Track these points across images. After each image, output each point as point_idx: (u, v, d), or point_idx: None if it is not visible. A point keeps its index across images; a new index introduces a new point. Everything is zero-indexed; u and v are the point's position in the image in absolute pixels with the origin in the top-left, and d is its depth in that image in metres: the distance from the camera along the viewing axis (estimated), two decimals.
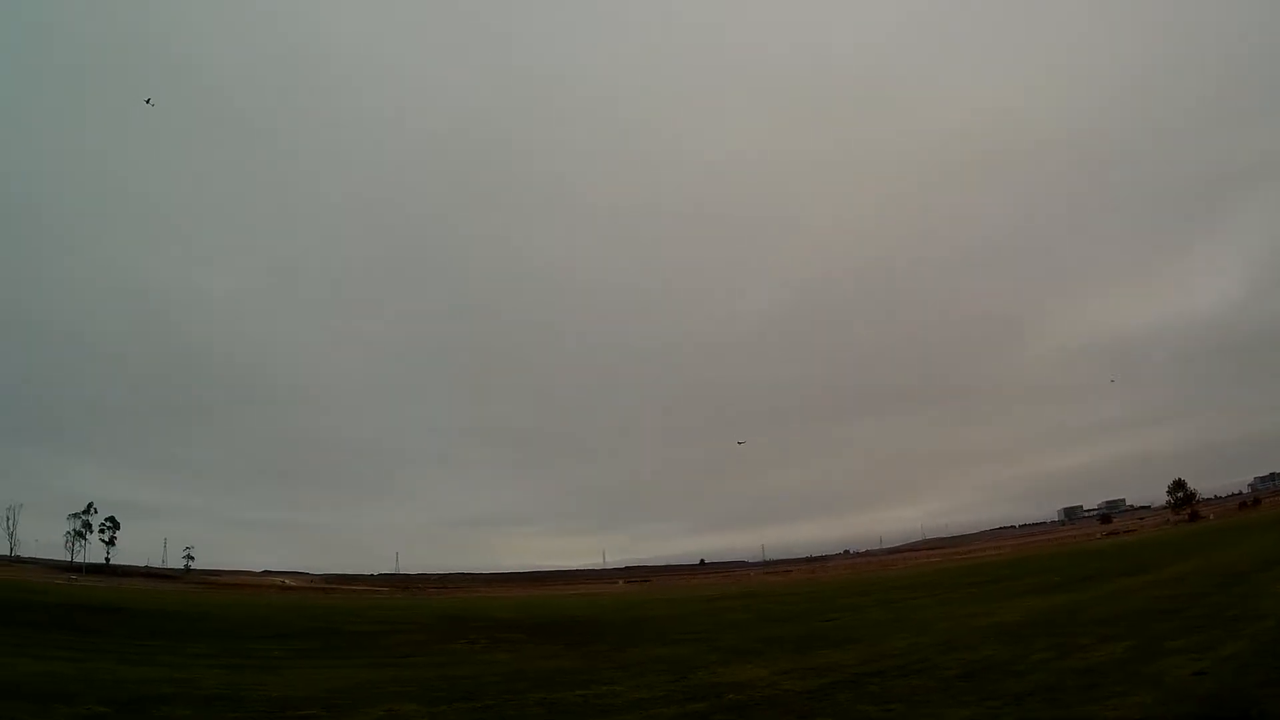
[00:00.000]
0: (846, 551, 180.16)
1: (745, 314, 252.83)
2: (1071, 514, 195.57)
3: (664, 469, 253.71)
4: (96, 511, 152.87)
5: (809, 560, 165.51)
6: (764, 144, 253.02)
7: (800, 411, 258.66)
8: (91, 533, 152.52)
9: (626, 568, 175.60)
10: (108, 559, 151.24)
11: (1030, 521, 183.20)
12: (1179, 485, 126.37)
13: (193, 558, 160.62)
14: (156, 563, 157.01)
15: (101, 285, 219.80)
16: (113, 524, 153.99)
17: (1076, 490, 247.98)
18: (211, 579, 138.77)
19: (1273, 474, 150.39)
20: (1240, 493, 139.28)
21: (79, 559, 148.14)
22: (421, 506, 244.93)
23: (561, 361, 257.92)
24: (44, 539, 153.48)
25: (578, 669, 19.23)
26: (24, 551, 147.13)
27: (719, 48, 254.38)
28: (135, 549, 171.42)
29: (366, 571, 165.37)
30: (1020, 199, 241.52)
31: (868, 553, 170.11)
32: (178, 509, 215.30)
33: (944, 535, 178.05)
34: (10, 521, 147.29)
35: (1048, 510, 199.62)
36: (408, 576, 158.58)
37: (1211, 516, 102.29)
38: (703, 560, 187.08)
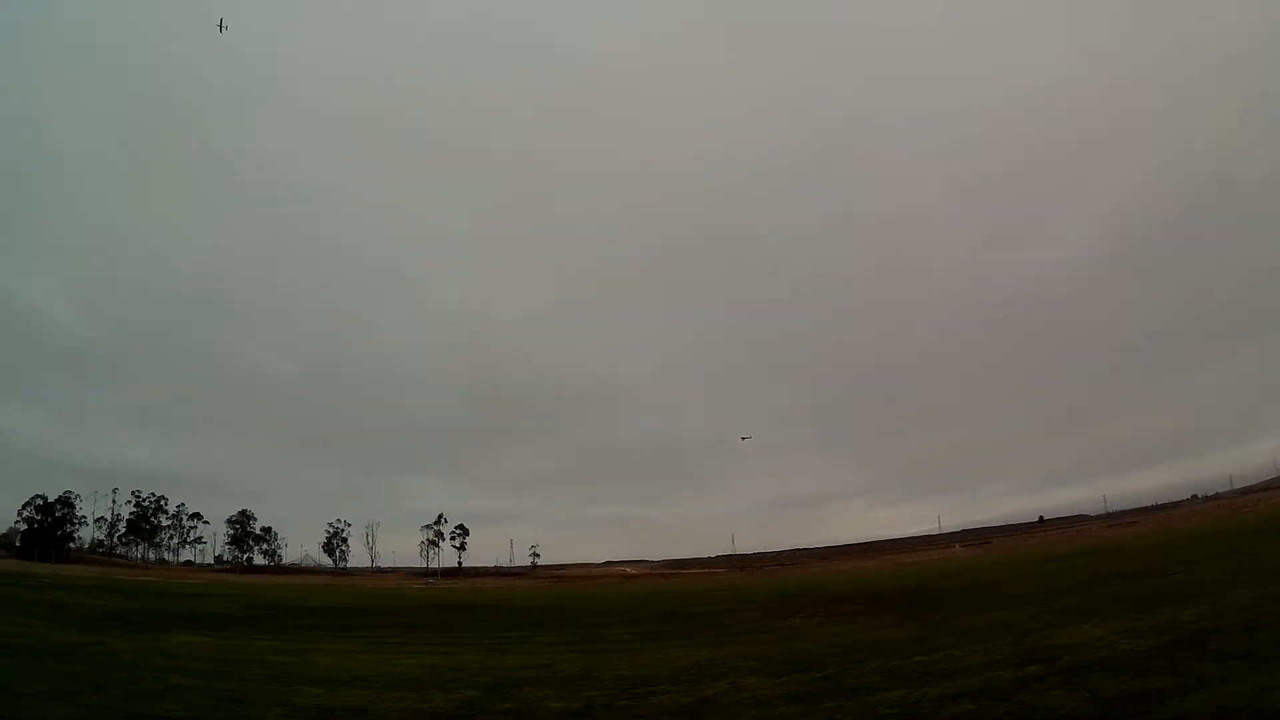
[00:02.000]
0: (1195, 496, 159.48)
1: (1068, 253, 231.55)
2: None
3: (996, 426, 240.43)
4: (446, 521, 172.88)
5: (1154, 509, 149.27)
6: (1087, 55, 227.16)
7: (1137, 350, 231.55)
8: (443, 540, 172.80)
9: (962, 531, 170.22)
10: (460, 563, 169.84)
11: None
12: None
13: (538, 555, 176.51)
14: (505, 562, 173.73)
15: (430, 321, 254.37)
16: (462, 531, 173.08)
17: None
18: (557, 573, 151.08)
19: None
20: None
21: (433, 565, 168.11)
22: (754, 489, 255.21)
23: (879, 331, 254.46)
24: (400, 550, 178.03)
25: (914, 637, 19.68)
26: (383, 562, 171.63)
27: None
28: (484, 552, 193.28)
29: (703, 555, 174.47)
30: None
31: (1217, 495, 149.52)
32: (520, 513, 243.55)
33: None
34: (370, 537, 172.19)
35: None
36: (744, 556, 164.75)
37: None
38: (1041, 517, 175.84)
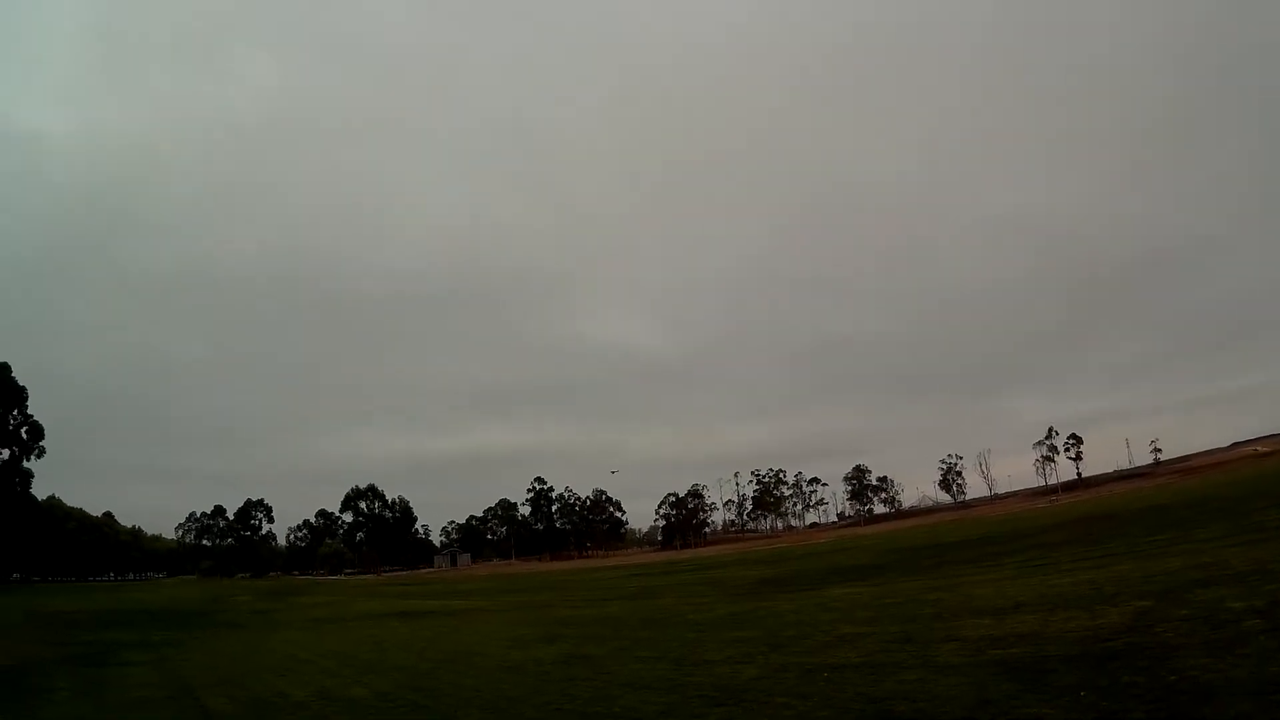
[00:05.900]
0: None
1: None
2: None
3: None
4: (1057, 434, 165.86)
5: None
6: None
7: None
8: (1058, 454, 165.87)
9: None
10: (1079, 474, 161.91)
11: None
12: None
13: (1160, 450, 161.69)
14: (1123, 464, 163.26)
15: (983, 230, 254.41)
16: (1075, 440, 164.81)
17: None
18: (1181, 466, 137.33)
19: None
20: None
21: (1050, 481, 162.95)
22: None
23: None
24: (1015, 472, 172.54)
25: None
26: (999, 489, 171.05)
27: None
28: (1099, 458, 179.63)
29: None
30: None
31: None
32: (1130, 407, 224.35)
33: None
34: (983, 465, 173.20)
35: None
36: None
37: None
38: None
